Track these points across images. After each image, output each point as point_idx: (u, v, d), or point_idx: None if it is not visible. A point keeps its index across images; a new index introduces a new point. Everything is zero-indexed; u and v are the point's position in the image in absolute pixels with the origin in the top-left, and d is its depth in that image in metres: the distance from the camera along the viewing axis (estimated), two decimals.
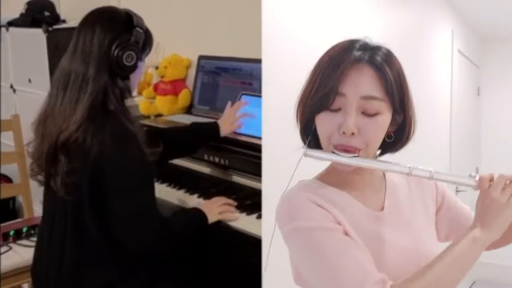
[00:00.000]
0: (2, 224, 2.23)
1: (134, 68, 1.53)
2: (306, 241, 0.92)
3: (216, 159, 1.91)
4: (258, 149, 1.55)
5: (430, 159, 2.64)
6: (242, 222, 1.69)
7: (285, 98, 1.34)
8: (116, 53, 1.48)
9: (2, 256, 2.05)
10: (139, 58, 1.54)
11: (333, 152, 0.93)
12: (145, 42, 1.58)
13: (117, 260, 1.54)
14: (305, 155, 0.95)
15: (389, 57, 0.94)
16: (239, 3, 2.19)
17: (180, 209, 1.77)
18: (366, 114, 0.91)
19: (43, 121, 1.53)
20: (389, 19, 2.21)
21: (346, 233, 0.91)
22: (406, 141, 1.00)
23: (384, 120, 0.93)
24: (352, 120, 0.90)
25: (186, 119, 2.26)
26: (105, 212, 1.48)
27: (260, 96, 1.55)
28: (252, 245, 1.54)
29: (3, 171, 3.02)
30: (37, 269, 1.64)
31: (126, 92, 1.53)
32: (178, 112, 2.39)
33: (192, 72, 2.45)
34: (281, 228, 0.97)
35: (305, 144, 0.98)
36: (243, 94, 2.04)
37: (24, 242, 2.16)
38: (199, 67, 2.39)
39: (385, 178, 1.05)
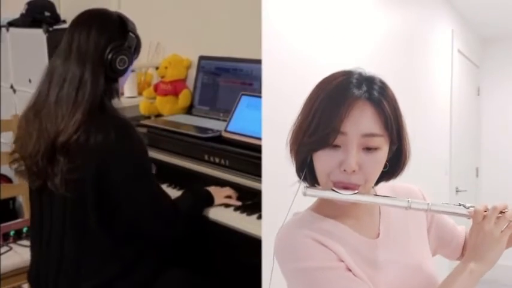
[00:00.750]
0: (2, 224, 2.23)
1: (124, 71, 1.57)
2: (307, 282, 0.91)
3: (216, 159, 1.91)
4: (258, 149, 1.55)
5: (430, 159, 2.64)
6: (242, 222, 1.69)
7: (285, 98, 1.34)
8: (110, 56, 1.51)
9: (2, 256, 2.06)
10: (131, 62, 1.58)
11: (333, 190, 0.92)
12: (136, 47, 1.62)
13: (117, 256, 1.55)
14: (304, 194, 0.93)
15: (385, 90, 0.93)
16: (239, 3, 2.19)
17: (187, 190, 1.84)
18: (366, 150, 0.90)
19: (36, 116, 1.51)
20: (389, 19, 2.22)
21: (349, 269, 0.91)
22: (400, 170, 1.00)
23: (383, 155, 0.93)
24: (353, 158, 0.89)
25: (186, 119, 2.27)
26: (111, 206, 1.49)
27: (260, 97, 1.55)
28: (252, 245, 1.54)
29: (3, 171, 3.01)
30: (33, 272, 1.64)
31: (114, 94, 1.57)
32: (178, 112, 2.39)
33: (193, 72, 2.45)
34: (281, 266, 0.96)
35: (300, 178, 0.97)
36: (243, 94, 2.04)
37: (24, 242, 2.17)
38: (199, 67, 2.39)
39: None
